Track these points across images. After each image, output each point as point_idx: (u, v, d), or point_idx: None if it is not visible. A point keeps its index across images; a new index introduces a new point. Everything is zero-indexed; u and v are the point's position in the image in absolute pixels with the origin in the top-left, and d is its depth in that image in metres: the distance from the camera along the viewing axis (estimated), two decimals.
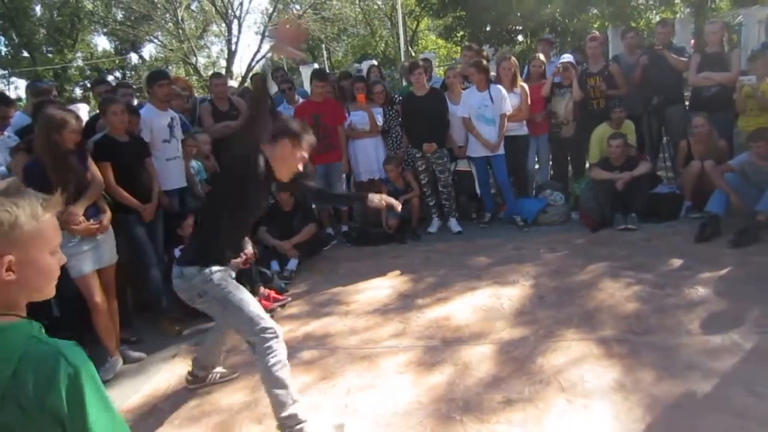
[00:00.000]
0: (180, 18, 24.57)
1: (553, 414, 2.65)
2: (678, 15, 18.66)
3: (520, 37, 19.59)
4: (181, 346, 3.92)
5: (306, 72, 15.03)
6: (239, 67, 29.44)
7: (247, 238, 4.51)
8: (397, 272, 4.90)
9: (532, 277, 4.41)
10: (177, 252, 4.18)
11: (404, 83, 7.90)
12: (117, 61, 29.55)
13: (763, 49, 5.53)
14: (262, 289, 4.38)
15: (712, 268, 4.15)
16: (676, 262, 4.36)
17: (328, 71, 11.00)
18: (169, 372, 3.57)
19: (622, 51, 6.61)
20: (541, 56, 6.51)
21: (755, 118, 5.28)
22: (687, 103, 6.18)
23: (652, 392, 2.73)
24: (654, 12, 19.69)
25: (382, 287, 4.59)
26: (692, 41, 10.53)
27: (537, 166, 6.69)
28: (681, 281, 3.98)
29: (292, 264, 5.10)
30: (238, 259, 4.23)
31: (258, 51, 27.96)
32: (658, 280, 4.06)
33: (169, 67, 26.42)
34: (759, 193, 4.69)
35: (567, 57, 6.29)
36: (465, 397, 2.87)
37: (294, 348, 3.64)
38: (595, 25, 17.75)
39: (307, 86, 11.38)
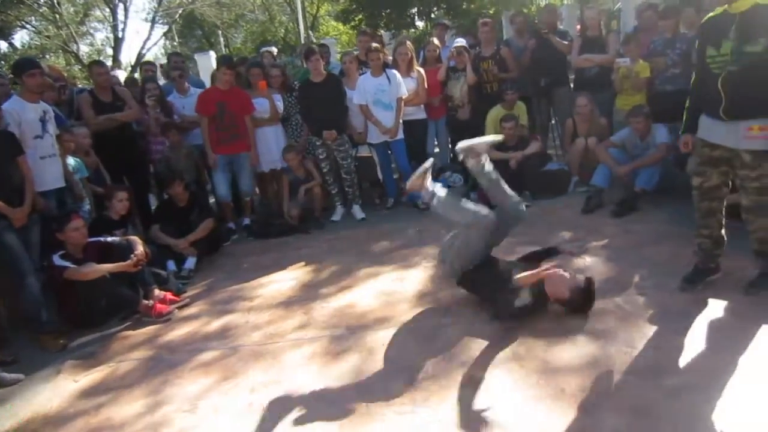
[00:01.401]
0: (56, 1, 22.64)
1: (455, 389, 2.72)
2: (565, 1, 19.64)
3: (418, 22, 19.90)
4: (66, 362, 3.61)
5: (202, 60, 14.37)
6: (128, 56, 27.74)
7: (137, 239, 4.27)
8: (302, 263, 4.83)
9: (434, 258, 4.49)
10: (57, 259, 3.88)
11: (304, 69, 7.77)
12: None
13: (635, 33, 5.90)
14: (156, 292, 4.16)
15: (598, 237, 4.41)
16: (567, 234, 4.61)
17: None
18: (51, 392, 3.28)
19: (512, 35, 6.84)
20: (436, 40, 6.61)
21: (631, 96, 5.64)
22: (572, 84, 6.51)
23: (545, 358, 2.87)
24: None
25: (286, 280, 4.51)
26: (578, 26, 11.05)
27: (437, 150, 6.81)
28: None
29: (190, 263, 4.88)
30: (129, 262, 4.00)
31: (148, 38, 26.46)
32: None
33: (47, 56, 24.32)
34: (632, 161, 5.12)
35: (460, 41, 6.41)
36: (370, 383, 2.88)
37: (193, 350, 3.53)
38: (491, 11, 18.34)
39: (203, 76, 10.90)
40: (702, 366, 2.63)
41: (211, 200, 6.36)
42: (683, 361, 2.69)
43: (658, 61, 5.44)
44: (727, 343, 2.77)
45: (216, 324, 3.87)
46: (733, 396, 2.39)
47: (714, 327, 2.95)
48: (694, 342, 2.83)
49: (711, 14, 3.17)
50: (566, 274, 3.22)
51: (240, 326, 3.78)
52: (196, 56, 15.50)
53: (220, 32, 29.87)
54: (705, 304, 3.17)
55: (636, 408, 2.40)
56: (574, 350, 2.91)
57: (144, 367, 3.41)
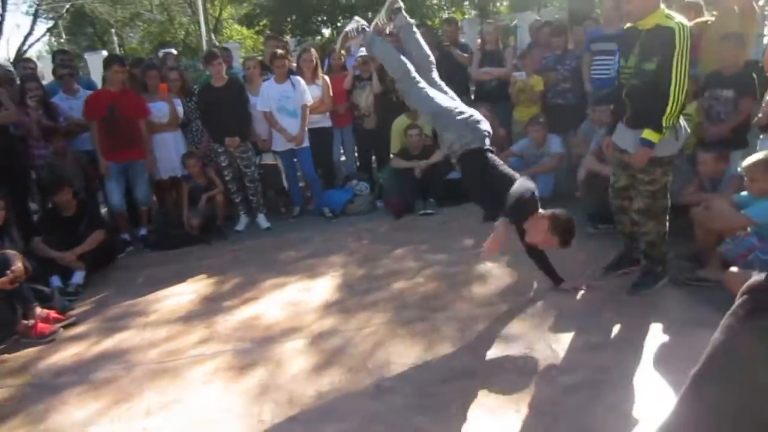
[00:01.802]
0: None
1: (362, 400, 2.70)
2: (466, 16, 20.43)
3: (324, 30, 19.90)
4: None
5: (93, 60, 13.46)
6: (6, 52, 25.45)
7: (15, 252, 3.88)
8: (203, 275, 4.63)
9: (341, 267, 4.48)
10: None
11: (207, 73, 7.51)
12: None
13: (529, 49, 6.24)
14: (39, 310, 3.78)
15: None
16: (469, 242, 4.74)
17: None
18: None
19: None
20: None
21: (527, 109, 5.95)
22: (473, 95, 6.75)
23: (451, 363, 2.93)
24: (446, 12, 21.32)
25: (186, 293, 4.30)
26: (478, 40, 11.49)
27: (343, 158, 6.80)
28: (473, 258, 4.30)
29: (78, 277, 4.51)
30: (3, 279, 3.62)
31: (30, 33, 24.47)
32: (454, 258, 4.38)
33: None
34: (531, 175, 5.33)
35: (364, 50, 6.45)
36: (276, 398, 2.80)
37: (81, 372, 3.26)
38: None
39: (95, 76, 10.22)
40: (597, 364, 2.78)
41: (104, 210, 5.96)
42: (579, 359, 2.83)
43: (550, 76, 5.78)
44: (619, 342, 2.96)
45: (107, 343, 3.61)
46: (627, 391, 2.54)
47: (606, 327, 3.13)
48: (589, 341, 2.98)
49: (628, 25, 3.39)
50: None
51: (135, 344, 3.54)
52: (87, 55, 14.50)
53: (113, 31, 28.26)
54: (598, 306, 3.37)
55: (537, 406, 2.50)
56: (477, 353, 2.99)
57: (22, 394, 3.10)
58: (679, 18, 3.09)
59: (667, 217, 3.42)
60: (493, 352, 2.99)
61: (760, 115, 3.95)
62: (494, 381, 2.72)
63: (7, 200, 4.29)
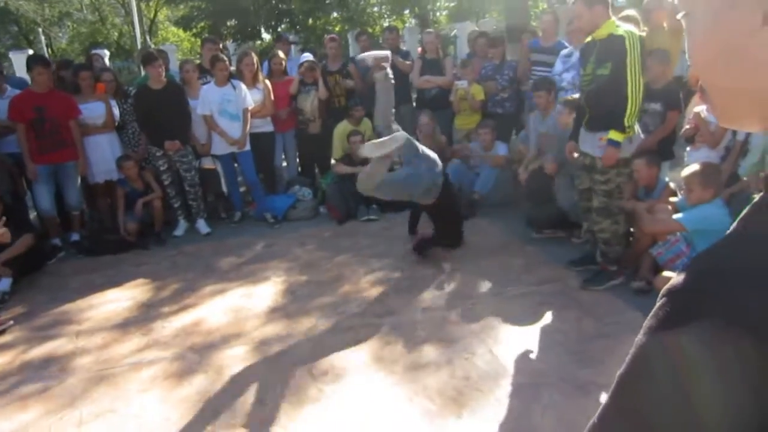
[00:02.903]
0: None
1: (305, 404, 2.70)
2: (406, 24, 20.73)
3: (264, 35, 19.70)
4: None
5: (18, 59, 12.82)
6: None
7: None
8: (139, 281, 4.49)
9: (284, 272, 4.45)
10: None
11: (142, 75, 7.29)
12: None
13: (470, 59, 6.40)
14: None
15: (439, 250, 4.66)
16: (410, 247, 4.79)
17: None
18: None
19: (358, 53, 7.04)
20: (281, 53, 6.58)
21: (468, 117, 6.11)
22: (414, 103, 6.87)
23: (394, 368, 2.96)
24: (386, 20, 21.57)
25: (121, 299, 4.16)
26: (419, 49, 11.72)
27: (284, 163, 6.75)
28: (414, 264, 4.39)
29: (4, 284, 4.27)
30: None
31: None
32: (396, 264, 4.43)
33: None
34: (476, 176, 5.58)
35: (307, 56, 6.46)
36: (216, 405, 2.75)
37: (8, 382, 3.10)
38: (336, 28, 18.75)
39: (21, 75, 9.72)
40: (535, 367, 2.88)
41: (33, 214, 5.68)
42: (519, 363, 2.91)
43: (489, 85, 5.95)
44: (556, 346, 3.06)
45: (36, 351, 3.45)
46: (564, 393, 2.64)
47: (544, 331, 3.23)
48: (528, 346, 3.08)
49: (588, 38, 3.60)
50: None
51: (66, 352, 3.40)
52: (12, 54, 13.83)
53: (40, 30, 26.97)
54: (537, 310, 3.48)
55: (478, 411, 2.56)
56: (419, 358, 3.04)
57: None
58: (628, 26, 3.37)
59: (622, 217, 3.63)
60: (435, 357, 3.03)
61: (687, 126, 4.21)
62: (436, 386, 2.76)
63: None
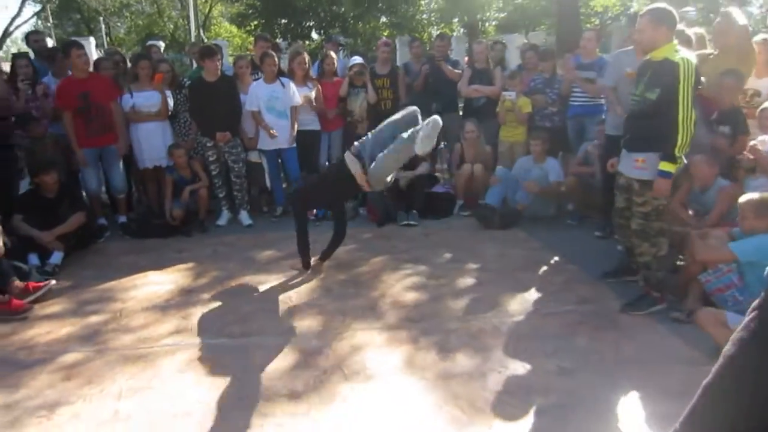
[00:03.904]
0: None
1: (336, 401, 2.71)
2: (455, 33, 20.73)
3: (314, 35, 19.99)
4: None
5: (85, 45, 13.29)
6: None
7: None
8: (181, 266, 4.61)
9: (321, 270, 4.49)
10: None
11: (194, 67, 7.48)
12: None
13: (519, 70, 6.37)
14: (16, 282, 3.76)
15: (477, 260, 4.64)
16: (448, 255, 4.79)
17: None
18: None
19: (409, 59, 7.10)
20: (333, 54, 6.68)
21: (513, 129, 6.08)
22: (461, 111, 6.87)
23: (425, 374, 2.95)
24: (435, 28, 21.61)
25: (163, 282, 4.27)
26: (466, 58, 11.75)
27: (327, 163, 6.83)
28: (452, 272, 4.38)
29: (56, 257, 4.48)
30: None
31: (18, 15, 24.11)
32: (433, 271, 4.41)
33: None
34: (519, 186, 5.58)
35: (357, 59, 6.53)
36: (249, 393, 2.79)
37: (53, 351, 3.23)
38: (385, 33, 18.89)
39: None
40: (568, 388, 2.80)
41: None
42: (551, 382, 2.85)
43: (538, 98, 5.91)
44: (591, 368, 2.98)
45: (81, 324, 3.58)
46: (596, 417, 2.58)
47: (579, 352, 3.15)
48: (562, 365, 3.00)
49: (646, 57, 3.53)
50: None
51: (109, 328, 3.52)
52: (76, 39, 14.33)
53: (101, 19, 27.94)
54: (573, 330, 3.40)
55: (504, 423, 2.53)
56: (453, 366, 3.02)
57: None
58: (685, 53, 3.27)
59: (663, 240, 3.54)
60: (468, 367, 3.01)
61: (749, 155, 4.03)
62: (467, 396, 2.74)
63: None
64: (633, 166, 3.47)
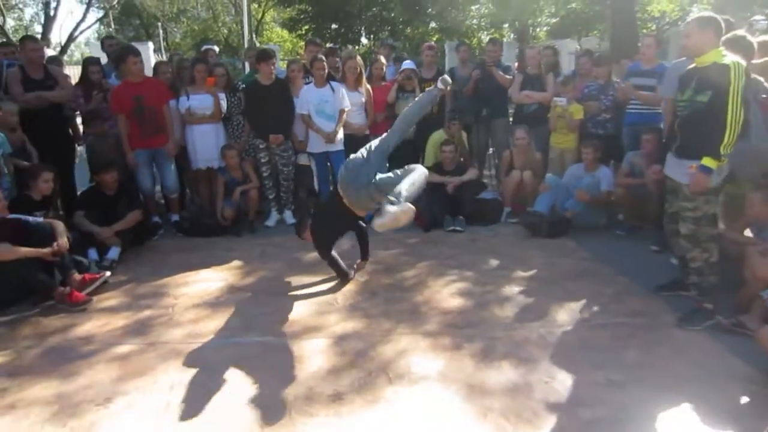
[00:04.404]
0: None
1: (380, 404, 2.73)
2: (505, 38, 20.54)
3: (363, 39, 20.16)
4: None
5: (140, 50, 13.82)
6: (59, 36, 26.34)
7: (61, 224, 4.04)
8: (231, 265, 4.72)
9: (367, 274, 4.51)
10: None
11: (246, 71, 7.66)
12: None
13: (573, 76, 6.26)
14: (75, 275, 3.95)
15: (525, 268, 4.57)
16: (495, 263, 4.74)
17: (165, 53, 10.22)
18: None
19: (457, 64, 7.07)
20: (383, 59, 6.72)
21: (564, 136, 5.98)
22: (510, 117, 6.79)
23: (470, 381, 2.93)
24: (485, 33, 21.47)
25: (214, 280, 4.39)
26: (516, 63, 11.65)
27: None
28: (499, 280, 4.33)
29: (114, 253, 4.66)
30: (47, 250, 3.77)
31: (82, 20, 25.24)
32: (479, 278, 4.38)
33: None
34: (570, 194, 5.48)
35: (409, 64, 6.55)
36: (295, 392, 2.84)
37: (110, 342, 3.37)
38: (434, 38, 18.89)
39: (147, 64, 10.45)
40: (617, 401, 2.73)
41: None
42: (600, 395, 2.79)
43: (592, 105, 5.79)
44: (641, 382, 2.89)
45: (136, 318, 3.72)
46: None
47: (629, 365, 3.06)
48: (610, 378, 2.93)
49: (691, 66, 3.53)
50: None
51: (162, 322, 3.64)
52: (133, 45, 14.94)
53: (159, 24, 28.97)
54: (623, 343, 3.31)
55: None
56: (498, 375, 2.98)
57: (55, 355, 3.23)
58: (733, 57, 3.26)
59: (714, 246, 3.47)
60: (513, 376, 2.97)
61: None
62: (512, 406, 2.71)
63: (55, 173, 4.47)
64: (685, 172, 3.41)
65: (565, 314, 3.71)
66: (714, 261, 3.48)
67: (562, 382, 2.91)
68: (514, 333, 3.47)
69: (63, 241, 3.91)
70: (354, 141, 6.09)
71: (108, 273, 4.16)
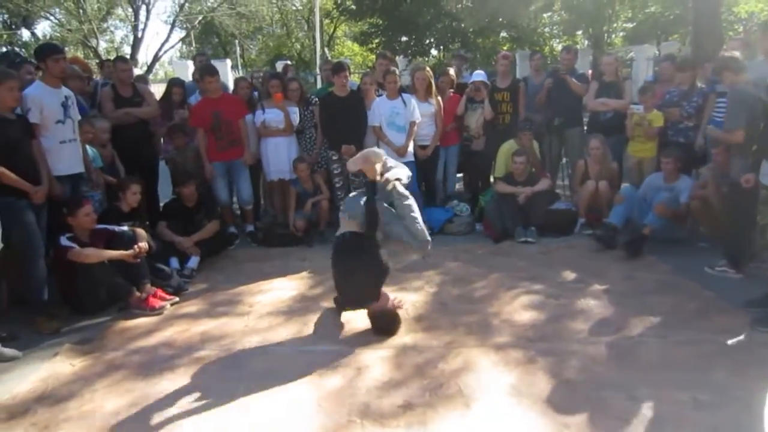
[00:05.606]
0: None
1: (452, 418, 2.69)
2: (578, 46, 20.01)
3: (433, 51, 20.19)
4: (63, 345, 3.62)
5: (218, 67, 14.45)
6: (145, 56, 28.09)
7: (142, 231, 4.29)
8: (303, 274, 4.83)
9: (436, 285, 4.49)
10: (63, 240, 3.89)
11: (319, 85, 7.85)
12: (4, 36, 26.98)
13: (651, 83, 6.01)
14: (148, 287, 4.15)
15: (601, 281, 4.41)
16: (570, 275, 4.60)
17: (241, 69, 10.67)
18: (47, 372, 3.28)
19: (529, 74, 6.95)
20: (452, 71, 6.71)
21: (642, 144, 5.74)
22: (585, 126, 6.60)
23: (544, 397, 2.84)
24: (557, 41, 21.00)
25: (287, 288, 4.50)
26: (590, 71, 11.33)
27: (443, 177, 6.84)
28: (573, 292, 4.20)
29: (193, 262, 4.89)
30: (129, 252, 4.01)
31: (167, 40, 26.80)
32: (552, 290, 4.26)
33: (67, 48, 24.65)
34: (647, 206, 5.21)
35: (480, 75, 6.51)
36: (365, 401, 2.85)
37: (190, 347, 3.51)
38: (505, 47, 18.66)
39: (225, 81, 10.97)
40: (707, 423, 2.59)
41: None
42: (686, 416, 2.65)
43: (673, 112, 5.52)
44: (733, 403, 2.73)
45: (214, 324, 3.86)
46: None
47: (718, 386, 2.89)
48: (697, 398, 2.78)
49: None
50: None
51: (237, 329, 3.77)
52: (213, 63, 15.71)
53: (237, 42, 30.24)
54: (710, 362, 3.12)
55: None
56: (574, 392, 2.88)
57: (140, 359, 3.41)
58: None
59: None
60: (588, 393, 2.86)
61: None
62: (587, 425, 2.61)
63: (142, 185, 4.76)
64: None
65: (645, 329, 3.55)
66: None
67: (643, 400, 2.77)
68: (590, 347, 3.35)
69: (143, 244, 4.15)
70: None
71: (177, 299, 4.30)
